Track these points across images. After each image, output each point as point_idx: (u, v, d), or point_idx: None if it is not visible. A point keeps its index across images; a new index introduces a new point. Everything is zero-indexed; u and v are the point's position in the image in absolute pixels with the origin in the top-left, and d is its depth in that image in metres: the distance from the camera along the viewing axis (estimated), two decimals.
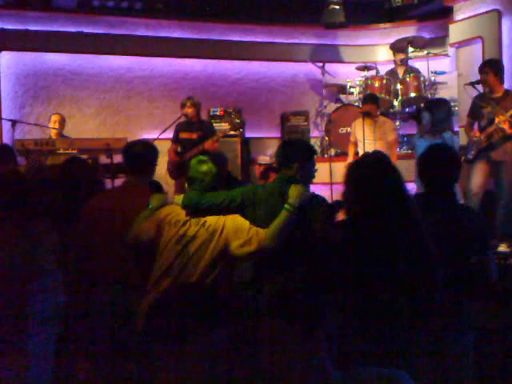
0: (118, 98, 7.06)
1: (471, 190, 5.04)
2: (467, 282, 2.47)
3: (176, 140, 6.04)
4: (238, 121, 6.79)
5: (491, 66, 5.10)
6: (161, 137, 6.08)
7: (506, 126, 4.74)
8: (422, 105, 6.29)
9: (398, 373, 1.41)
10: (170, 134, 6.14)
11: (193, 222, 2.75)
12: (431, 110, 4.92)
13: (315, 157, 3.04)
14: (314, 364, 1.37)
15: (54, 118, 6.20)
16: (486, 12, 6.61)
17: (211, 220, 2.74)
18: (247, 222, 2.75)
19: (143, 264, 2.86)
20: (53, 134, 6.13)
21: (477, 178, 5.02)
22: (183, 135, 5.97)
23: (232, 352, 1.91)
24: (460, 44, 6.99)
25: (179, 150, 5.99)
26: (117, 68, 7.09)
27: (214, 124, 6.80)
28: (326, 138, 7.27)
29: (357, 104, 7.18)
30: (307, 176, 2.92)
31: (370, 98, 6.02)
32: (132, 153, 3.09)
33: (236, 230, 2.71)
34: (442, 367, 2.30)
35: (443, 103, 5.33)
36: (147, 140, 3.36)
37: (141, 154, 3.06)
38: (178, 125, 6.05)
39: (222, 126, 6.95)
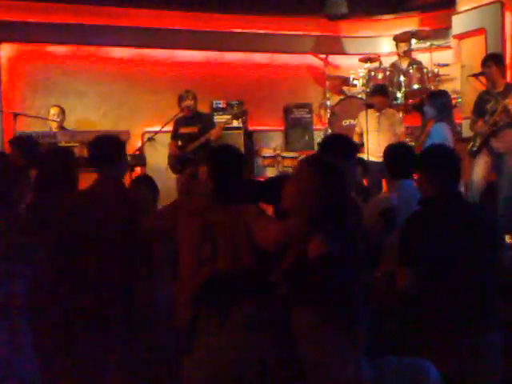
0: (120, 90, 6.99)
1: (474, 181, 5.05)
2: (490, 277, 2.47)
3: (175, 136, 6.02)
4: (238, 110, 6.79)
5: (494, 60, 5.11)
6: (164, 129, 6.08)
7: (510, 105, 4.76)
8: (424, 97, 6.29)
9: (422, 361, 1.41)
10: (172, 128, 6.13)
11: (217, 209, 2.71)
12: (433, 102, 4.90)
13: None
14: (350, 357, 1.37)
15: (53, 110, 6.16)
16: (489, 3, 6.60)
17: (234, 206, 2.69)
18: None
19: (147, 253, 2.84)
20: (53, 126, 6.09)
21: (479, 169, 5.06)
22: (183, 130, 5.95)
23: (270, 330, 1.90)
24: (463, 35, 6.97)
25: (180, 144, 5.98)
26: (118, 60, 7.02)
27: (217, 116, 6.80)
28: (329, 131, 7.25)
29: (360, 96, 7.15)
30: None
31: (379, 91, 6.00)
32: (91, 149, 3.03)
33: (256, 214, 2.65)
34: (472, 367, 2.25)
35: (441, 94, 5.32)
36: (109, 134, 3.27)
37: (100, 150, 2.98)
38: (176, 121, 6.02)
39: (225, 119, 6.94)
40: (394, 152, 3.49)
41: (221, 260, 2.60)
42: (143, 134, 6.74)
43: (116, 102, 6.97)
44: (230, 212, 2.65)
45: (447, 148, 2.87)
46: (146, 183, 3.94)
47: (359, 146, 6.08)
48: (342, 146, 2.95)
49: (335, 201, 2.18)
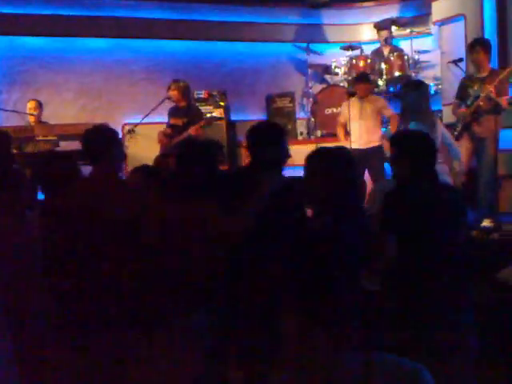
0: (98, 81, 6.89)
1: (455, 167, 5.07)
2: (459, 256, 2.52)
3: (168, 125, 5.98)
4: (222, 103, 6.76)
5: (482, 45, 5.10)
6: (144, 121, 6.02)
7: (493, 92, 4.76)
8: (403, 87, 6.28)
9: (418, 366, 1.39)
10: (153, 119, 6.06)
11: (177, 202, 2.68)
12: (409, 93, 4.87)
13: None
14: (339, 360, 1.36)
15: (30, 104, 6.04)
16: None
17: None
18: None
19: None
20: (31, 120, 5.98)
21: (461, 156, 5.07)
22: (172, 120, 5.90)
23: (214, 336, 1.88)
24: (443, 21, 6.96)
25: (168, 133, 5.93)
26: (96, 51, 6.91)
27: (199, 107, 6.74)
28: (312, 120, 7.24)
29: (342, 84, 7.15)
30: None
31: (361, 78, 5.98)
32: (85, 142, 2.91)
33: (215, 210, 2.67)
34: (447, 349, 2.31)
35: (420, 84, 5.29)
36: (102, 125, 3.15)
37: (90, 142, 2.89)
38: (169, 109, 5.97)
39: (207, 109, 6.89)
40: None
41: (174, 255, 2.58)
42: (123, 126, 6.67)
43: (94, 93, 6.87)
44: (189, 206, 2.62)
45: (421, 132, 2.93)
46: (148, 173, 3.91)
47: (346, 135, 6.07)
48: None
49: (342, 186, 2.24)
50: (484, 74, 5.03)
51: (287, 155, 2.83)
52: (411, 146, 2.64)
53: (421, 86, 5.04)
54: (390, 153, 2.76)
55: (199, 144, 2.97)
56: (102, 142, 2.89)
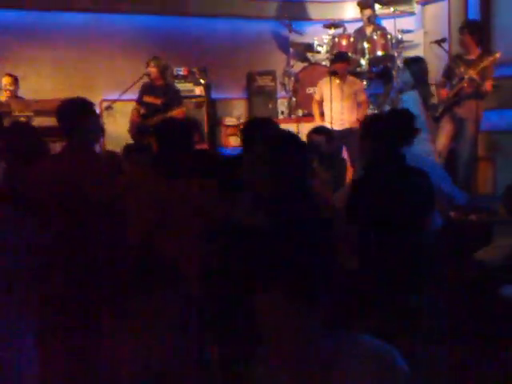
0: (75, 57, 6.71)
1: (436, 148, 5.09)
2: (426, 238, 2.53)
3: (140, 102, 5.87)
4: (202, 81, 6.67)
5: (468, 28, 5.10)
6: (122, 97, 5.91)
7: (476, 77, 4.76)
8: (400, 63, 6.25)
9: (389, 347, 1.38)
10: (131, 95, 5.96)
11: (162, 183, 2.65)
12: (410, 68, 4.86)
13: None
14: (312, 335, 1.34)
15: (4, 80, 5.90)
16: None
17: None
18: None
19: None
20: (6, 95, 5.84)
21: (442, 136, 5.11)
22: (147, 98, 5.80)
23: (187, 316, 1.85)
24: (426, 1, 6.93)
25: (142, 112, 5.84)
26: (73, 25, 6.72)
27: (179, 84, 6.64)
28: (293, 99, 7.18)
29: (324, 63, 7.08)
30: None
31: (340, 57, 5.93)
32: (59, 115, 2.84)
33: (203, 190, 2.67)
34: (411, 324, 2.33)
35: (418, 60, 5.31)
36: (77, 97, 3.11)
37: (64, 115, 2.82)
38: (142, 86, 5.86)
39: (187, 87, 6.80)
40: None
41: (169, 234, 2.55)
42: (101, 103, 6.54)
43: (71, 69, 6.71)
44: (175, 187, 2.59)
45: (389, 115, 2.92)
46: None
47: (322, 114, 6.06)
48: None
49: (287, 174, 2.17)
50: (472, 57, 5.03)
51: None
52: (375, 130, 2.63)
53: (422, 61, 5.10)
54: None
55: (182, 125, 2.93)
56: (76, 115, 2.82)
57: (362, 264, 2.43)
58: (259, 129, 2.88)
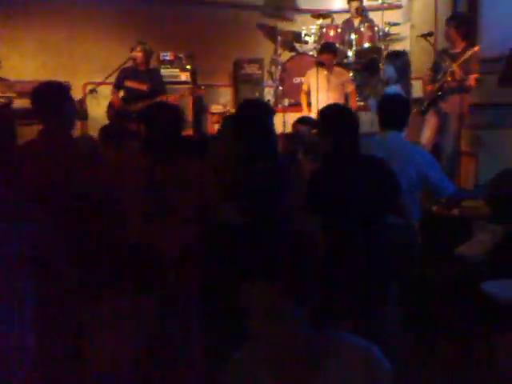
0: (60, 38, 6.60)
1: (420, 142, 5.14)
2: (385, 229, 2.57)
3: (120, 86, 5.80)
4: (188, 67, 6.63)
5: (454, 21, 5.13)
6: (107, 81, 5.85)
7: (456, 71, 4.81)
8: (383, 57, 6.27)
9: (370, 344, 1.41)
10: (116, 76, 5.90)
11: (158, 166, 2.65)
12: (394, 62, 4.87)
13: None
14: (300, 330, 1.35)
15: None
16: None
17: None
18: None
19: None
20: None
21: (426, 130, 5.15)
22: (130, 83, 5.73)
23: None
24: None
25: (121, 96, 5.79)
26: (58, 6, 6.58)
27: (164, 69, 6.59)
28: (280, 88, 7.18)
29: (312, 53, 7.08)
30: None
31: (327, 48, 5.94)
32: (34, 99, 2.80)
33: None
34: (369, 318, 2.37)
35: (402, 54, 5.33)
36: (53, 81, 3.01)
37: (44, 98, 2.78)
38: (123, 70, 5.76)
39: (173, 72, 6.75)
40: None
41: (170, 216, 2.55)
42: (85, 86, 6.46)
43: (56, 50, 6.59)
44: (170, 170, 2.59)
45: (342, 107, 2.96)
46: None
47: (309, 105, 6.07)
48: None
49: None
50: (457, 50, 5.06)
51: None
52: (332, 122, 2.67)
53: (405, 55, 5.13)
54: None
55: (173, 110, 2.92)
56: (52, 99, 2.79)
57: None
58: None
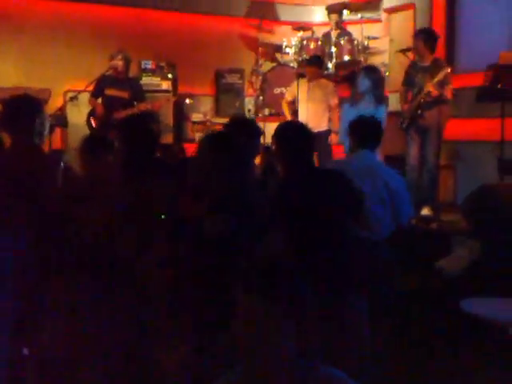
0: (42, 45, 6.57)
1: (408, 163, 5.19)
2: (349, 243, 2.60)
3: (98, 95, 5.76)
4: (170, 75, 6.63)
5: (422, 35, 5.22)
6: (88, 89, 5.81)
7: (432, 91, 4.90)
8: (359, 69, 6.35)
9: (345, 376, 1.42)
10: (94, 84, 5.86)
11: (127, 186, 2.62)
12: (369, 76, 4.91)
13: None
14: (288, 354, 1.36)
15: None
16: None
17: None
18: None
19: None
20: None
21: (411, 150, 5.19)
22: (111, 92, 5.70)
23: None
24: (393, 10, 7.08)
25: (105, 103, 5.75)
26: (41, 13, 6.57)
27: (146, 78, 6.59)
28: (261, 98, 7.22)
29: (292, 64, 7.15)
30: None
31: (313, 61, 6.01)
32: (4, 110, 2.79)
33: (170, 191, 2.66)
34: (337, 332, 2.38)
35: (377, 70, 5.40)
36: (26, 94, 3.02)
37: (16, 110, 2.76)
38: (101, 79, 5.73)
39: (154, 81, 6.74)
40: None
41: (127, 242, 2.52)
42: (65, 93, 6.41)
43: (38, 57, 6.54)
44: (142, 190, 2.56)
45: (293, 126, 2.96)
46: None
47: (293, 114, 6.12)
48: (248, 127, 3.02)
49: (235, 178, 2.18)
50: (426, 64, 5.16)
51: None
52: (287, 140, 2.70)
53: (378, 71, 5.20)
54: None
55: (148, 126, 2.90)
56: (21, 113, 2.77)
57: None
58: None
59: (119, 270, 2.32)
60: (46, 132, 2.96)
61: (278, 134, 2.79)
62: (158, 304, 2.28)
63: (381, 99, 4.73)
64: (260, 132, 3.10)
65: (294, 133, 2.72)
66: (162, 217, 2.47)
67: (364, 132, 3.37)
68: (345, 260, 2.50)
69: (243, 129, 3.03)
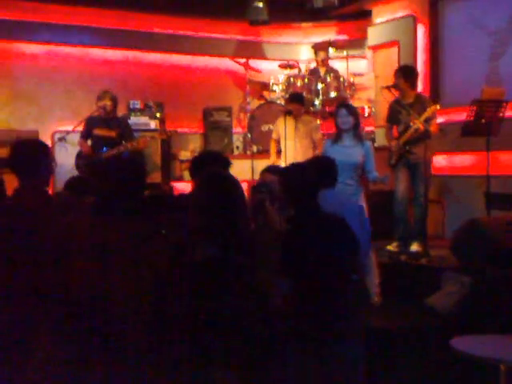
0: (31, 87, 6.63)
1: (396, 198, 5.17)
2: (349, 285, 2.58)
3: (88, 136, 5.77)
4: (158, 114, 6.67)
5: (402, 72, 5.27)
6: (76, 129, 5.82)
7: (420, 128, 4.92)
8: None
9: None
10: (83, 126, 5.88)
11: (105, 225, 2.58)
12: (352, 112, 4.89)
13: None
14: None
15: None
16: (403, 17, 6.85)
17: None
18: None
19: None
20: None
21: (400, 185, 5.17)
22: (100, 132, 5.71)
23: None
24: (377, 47, 7.20)
25: (91, 144, 5.76)
26: (30, 56, 6.66)
27: (134, 117, 6.61)
28: (249, 135, 7.26)
29: (279, 102, 7.22)
30: None
31: (294, 98, 6.05)
32: (12, 155, 2.78)
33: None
34: (330, 373, 2.35)
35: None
36: (31, 139, 3.10)
37: (27, 154, 2.77)
38: (89, 120, 5.75)
39: (142, 120, 6.77)
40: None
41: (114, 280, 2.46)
42: (53, 134, 6.43)
43: (26, 99, 6.60)
44: (121, 228, 2.51)
45: (300, 167, 2.94)
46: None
47: (278, 152, 6.14)
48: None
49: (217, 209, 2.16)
50: (410, 101, 5.18)
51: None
52: (292, 186, 2.71)
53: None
54: None
55: (136, 164, 2.87)
56: (31, 157, 2.77)
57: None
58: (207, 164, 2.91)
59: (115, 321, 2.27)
60: (52, 175, 2.99)
61: (284, 179, 2.80)
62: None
63: (361, 136, 4.72)
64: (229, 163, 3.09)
65: (298, 178, 2.73)
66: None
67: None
68: (348, 305, 2.49)
69: (215, 160, 3.03)
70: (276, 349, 1.94)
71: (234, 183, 2.20)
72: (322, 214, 2.67)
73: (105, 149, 5.60)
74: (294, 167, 2.95)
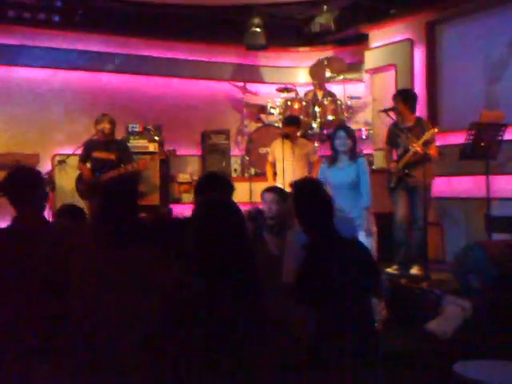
0: (31, 111, 6.67)
1: (396, 222, 5.15)
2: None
3: (86, 159, 5.78)
4: (156, 138, 6.69)
5: (400, 96, 5.28)
6: (76, 152, 5.84)
7: (420, 151, 4.91)
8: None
9: None
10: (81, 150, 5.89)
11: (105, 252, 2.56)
12: (351, 135, 4.88)
13: None
14: None
15: None
16: (400, 41, 6.92)
17: None
18: None
19: None
20: None
21: (400, 208, 5.15)
22: (99, 154, 5.72)
23: None
24: (375, 70, 7.25)
25: (90, 168, 5.77)
26: (30, 80, 6.70)
27: (133, 141, 6.63)
28: (247, 158, 7.28)
29: (277, 124, 7.26)
30: None
31: (291, 121, 6.07)
32: (7, 184, 2.77)
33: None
34: None
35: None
36: (27, 167, 3.10)
37: (26, 181, 2.77)
38: (88, 143, 5.76)
39: (141, 143, 6.78)
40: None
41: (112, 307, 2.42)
42: (53, 157, 6.44)
43: (25, 123, 6.64)
44: (121, 256, 2.47)
45: (311, 195, 2.86)
46: (70, 214, 3.70)
47: (275, 174, 6.14)
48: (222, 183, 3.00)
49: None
50: (409, 124, 5.18)
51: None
52: (305, 208, 2.67)
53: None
54: None
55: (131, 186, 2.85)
56: (27, 185, 2.78)
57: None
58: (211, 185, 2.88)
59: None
60: (47, 200, 2.99)
61: (296, 199, 2.75)
62: None
63: (356, 157, 4.72)
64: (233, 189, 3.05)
65: (311, 198, 2.69)
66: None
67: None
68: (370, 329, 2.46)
69: (220, 185, 2.98)
70: (291, 377, 1.90)
71: (236, 211, 2.15)
72: (338, 237, 2.63)
73: (97, 173, 5.59)
74: (307, 189, 2.84)
